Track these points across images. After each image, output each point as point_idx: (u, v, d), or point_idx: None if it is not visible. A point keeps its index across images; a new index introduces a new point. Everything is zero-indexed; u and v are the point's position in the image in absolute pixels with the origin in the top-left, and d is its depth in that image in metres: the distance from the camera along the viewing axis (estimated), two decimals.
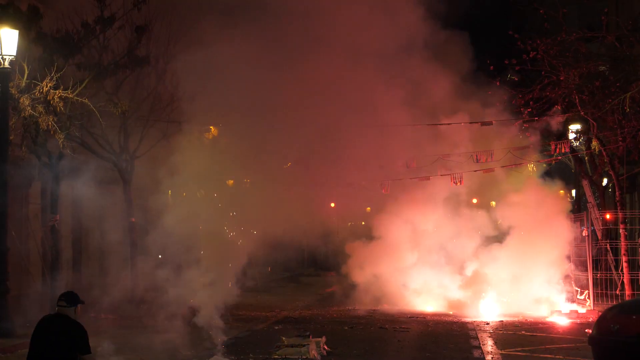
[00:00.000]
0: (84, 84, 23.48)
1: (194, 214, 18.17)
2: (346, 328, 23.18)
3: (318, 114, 25.90)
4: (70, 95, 22.76)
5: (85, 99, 23.32)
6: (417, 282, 29.23)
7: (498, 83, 28.32)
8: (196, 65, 21.57)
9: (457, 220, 29.38)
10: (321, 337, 18.70)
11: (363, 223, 37.48)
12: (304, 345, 17.32)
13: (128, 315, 23.49)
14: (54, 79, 22.26)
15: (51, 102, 22.17)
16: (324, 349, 18.14)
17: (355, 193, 30.47)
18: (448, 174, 28.91)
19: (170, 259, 21.24)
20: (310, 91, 25.11)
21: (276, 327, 22.78)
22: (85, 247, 31.69)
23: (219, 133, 29.34)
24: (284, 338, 18.20)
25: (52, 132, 22.70)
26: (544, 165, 30.53)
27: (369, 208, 36.43)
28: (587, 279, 25.91)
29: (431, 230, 29.63)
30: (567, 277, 27.12)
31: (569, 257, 27.29)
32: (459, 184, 29.05)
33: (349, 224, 39.50)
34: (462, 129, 28.64)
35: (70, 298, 9.55)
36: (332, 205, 40.00)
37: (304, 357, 16.72)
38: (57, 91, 22.27)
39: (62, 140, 23.07)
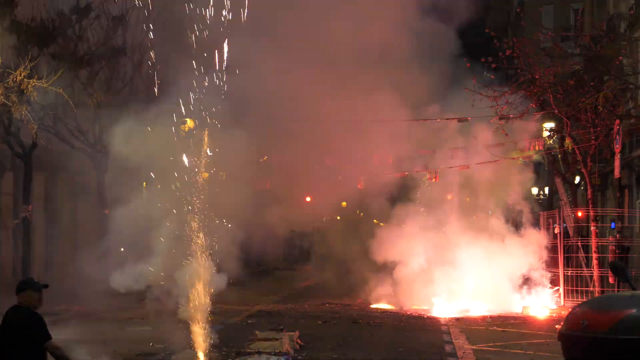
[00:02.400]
0: (58, 74, 23.32)
1: (167, 206, 18.09)
2: (320, 322, 23.22)
3: (295, 107, 25.93)
4: (45, 85, 22.60)
5: (59, 89, 23.16)
6: (391, 277, 29.28)
7: (474, 80, 28.36)
8: (173, 56, 21.50)
9: (432, 216, 29.41)
10: (295, 331, 18.75)
11: (338, 217, 37.49)
12: (277, 339, 17.34)
13: (101, 307, 23.40)
14: (28, 68, 22.08)
15: (25, 91, 21.99)
16: (297, 343, 18.18)
17: (332, 187, 30.49)
18: (424, 170, 29.00)
19: (143, 251, 21.15)
20: (287, 85, 25.12)
21: (250, 321, 22.78)
22: (58, 238, 31.55)
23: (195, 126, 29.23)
24: (257, 332, 18.22)
25: (25, 122, 22.54)
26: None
27: (344, 203, 36.45)
28: (559, 276, 26.14)
29: (405, 226, 29.65)
30: (538, 273, 27.28)
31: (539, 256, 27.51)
32: (434, 180, 29.14)
33: (324, 218, 39.51)
34: (437, 125, 28.71)
35: (17, 287, 9.34)
36: (308, 199, 40.02)
37: (277, 351, 16.74)
38: (31, 80, 22.10)
39: (35, 130, 22.92)
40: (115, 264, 22.17)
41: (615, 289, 23.35)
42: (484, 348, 18.53)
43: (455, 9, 29.16)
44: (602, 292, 25.03)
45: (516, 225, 28.67)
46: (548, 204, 36.50)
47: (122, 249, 23.42)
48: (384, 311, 26.35)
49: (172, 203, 16.92)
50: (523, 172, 28.89)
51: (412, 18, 27.77)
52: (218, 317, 19.42)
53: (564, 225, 28.07)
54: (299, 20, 25.56)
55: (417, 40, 28.14)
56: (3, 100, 21.79)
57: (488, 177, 28.51)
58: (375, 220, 34.39)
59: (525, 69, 26.88)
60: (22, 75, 22.06)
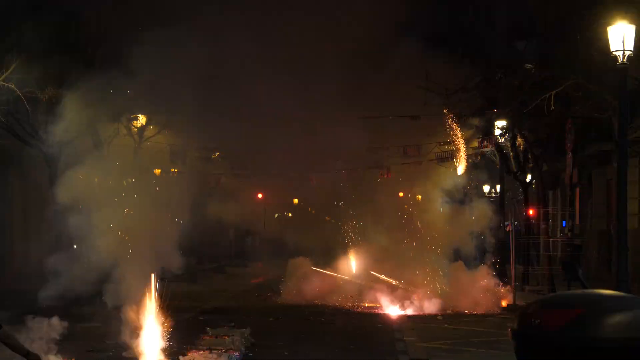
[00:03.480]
0: (10, 69, 23.00)
1: (119, 202, 17.94)
2: (271, 319, 23.19)
3: (247, 104, 25.86)
4: None
5: (11, 84, 22.85)
6: (342, 275, 29.35)
7: (427, 77, 28.50)
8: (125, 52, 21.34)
9: (380, 213, 29.53)
10: (246, 327, 18.69)
11: (290, 215, 37.49)
12: (228, 336, 17.29)
13: (51, 305, 23.11)
14: None
15: None
16: (249, 339, 18.13)
17: (283, 185, 30.49)
18: (376, 167, 29.10)
19: (93, 248, 20.93)
20: (239, 81, 25.03)
21: (201, 318, 22.66)
22: (9, 234, 31.15)
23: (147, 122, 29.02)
24: (209, 328, 18.14)
25: None
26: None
27: (296, 200, 36.47)
28: (510, 273, 26.34)
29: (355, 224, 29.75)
30: (489, 270, 27.50)
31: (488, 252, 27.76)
32: (386, 176, 29.26)
33: (276, 215, 39.49)
34: (390, 122, 28.84)
35: None
36: (260, 196, 39.98)
37: (229, 347, 16.68)
38: None
39: None
40: (61, 262, 21.85)
41: (567, 287, 23.59)
42: (436, 346, 18.61)
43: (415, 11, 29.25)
44: (554, 290, 25.30)
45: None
46: (500, 202, 36.80)
47: (74, 246, 23.18)
48: (335, 308, 26.37)
49: (123, 199, 16.77)
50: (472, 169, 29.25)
51: (368, 14, 27.83)
52: (169, 314, 19.28)
53: (516, 223, 28.36)
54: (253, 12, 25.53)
55: (373, 36, 28.22)
56: None
57: (438, 174, 28.75)
58: (327, 217, 34.48)
59: (478, 68, 27.11)
60: None
